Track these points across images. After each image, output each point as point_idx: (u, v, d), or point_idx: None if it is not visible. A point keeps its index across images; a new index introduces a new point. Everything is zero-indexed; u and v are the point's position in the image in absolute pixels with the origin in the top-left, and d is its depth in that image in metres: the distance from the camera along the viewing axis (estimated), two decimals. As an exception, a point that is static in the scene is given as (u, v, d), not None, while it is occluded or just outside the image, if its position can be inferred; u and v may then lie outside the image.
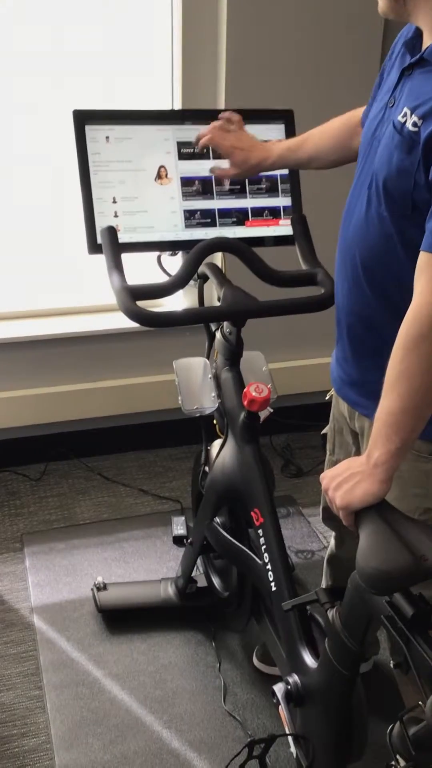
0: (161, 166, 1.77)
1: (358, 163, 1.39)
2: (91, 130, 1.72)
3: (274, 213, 1.86)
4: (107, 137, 1.73)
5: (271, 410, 1.69)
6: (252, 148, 1.70)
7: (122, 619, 2.09)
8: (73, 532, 2.44)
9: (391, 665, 1.16)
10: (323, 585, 1.92)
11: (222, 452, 1.76)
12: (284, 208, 1.86)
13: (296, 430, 2.88)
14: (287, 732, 1.45)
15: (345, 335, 1.45)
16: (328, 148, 1.64)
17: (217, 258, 2.07)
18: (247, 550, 1.69)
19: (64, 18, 2.30)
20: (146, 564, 2.32)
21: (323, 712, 1.40)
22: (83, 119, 1.72)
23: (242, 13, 2.33)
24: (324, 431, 1.71)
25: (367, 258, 1.33)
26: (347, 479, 1.16)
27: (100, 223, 1.71)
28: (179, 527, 2.42)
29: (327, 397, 1.65)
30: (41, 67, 2.33)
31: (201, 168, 1.79)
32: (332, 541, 1.83)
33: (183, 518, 2.45)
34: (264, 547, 1.58)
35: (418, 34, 1.29)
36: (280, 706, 1.46)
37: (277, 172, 1.82)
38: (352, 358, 1.45)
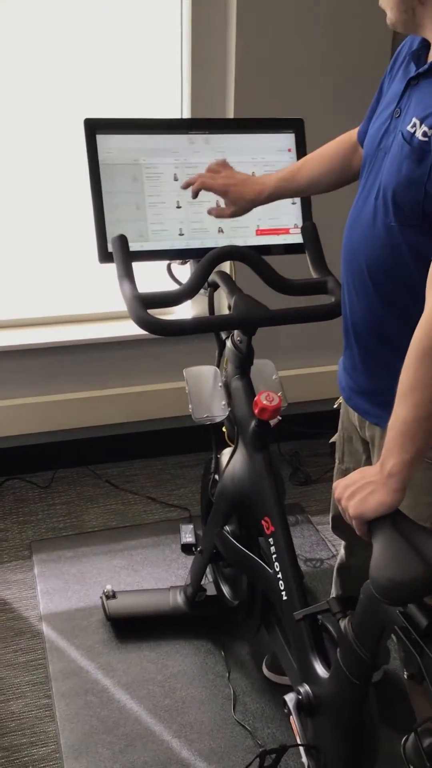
0: (172, 175, 1.78)
1: (361, 176, 1.38)
2: (102, 139, 1.73)
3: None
4: (118, 146, 1.74)
5: (279, 418, 1.69)
6: (245, 183, 1.68)
7: (131, 627, 2.09)
8: (82, 539, 2.44)
9: (404, 676, 1.15)
10: (333, 594, 1.92)
11: (232, 460, 1.75)
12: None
13: (305, 437, 2.88)
14: (298, 742, 1.45)
15: (354, 344, 1.45)
16: (326, 171, 1.63)
17: (226, 266, 2.07)
18: (257, 558, 1.68)
19: (73, 27, 2.31)
20: (155, 572, 2.31)
21: (335, 722, 1.40)
22: (95, 128, 1.73)
23: (251, 23, 2.34)
24: (333, 439, 1.71)
25: (374, 267, 1.33)
26: (360, 489, 1.16)
27: (111, 232, 1.72)
28: (188, 535, 2.42)
29: (335, 405, 1.65)
30: (51, 75, 2.34)
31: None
32: (342, 551, 1.82)
33: (191, 526, 2.45)
34: (275, 555, 1.58)
35: (424, 45, 1.29)
36: (291, 716, 1.45)
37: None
38: (361, 366, 1.45)
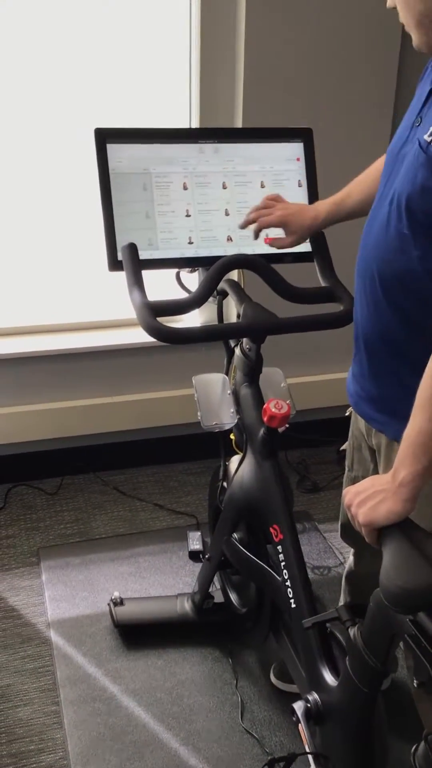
0: (181, 184, 1.79)
1: (381, 180, 1.39)
2: (113, 148, 1.74)
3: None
4: (128, 155, 1.75)
5: (287, 425, 1.70)
6: (301, 212, 1.73)
7: (139, 634, 2.09)
8: (89, 546, 2.44)
9: (414, 684, 1.15)
10: (341, 602, 1.92)
11: (241, 468, 1.76)
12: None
13: (312, 445, 2.88)
14: (307, 750, 1.45)
15: (363, 351, 1.45)
16: (374, 191, 1.62)
17: (235, 275, 2.08)
18: (265, 566, 1.69)
19: (83, 37, 2.33)
20: (162, 579, 2.32)
21: (344, 730, 1.39)
22: (105, 137, 1.74)
23: (260, 32, 2.36)
24: (343, 447, 1.71)
25: (385, 274, 1.34)
26: (371, 496, 1.16)
27: (121, 240, 1.73)
28: (195, 542, 2.43)
29: (347, 413, 1.65)
30: (60, 84, 2.36)
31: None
32: (351, 558, 1.82)
33: (199, 533, 2.45)
34: (283, 563, 1.58)
35: None
36: (299, 724, 1.45)
37: (295, 181, 1.84)
38: (369, 373, 1.45)
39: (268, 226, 1.74)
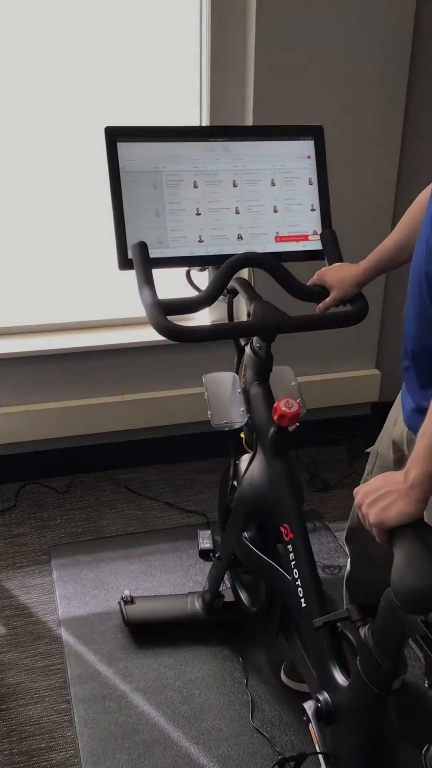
0: (192, 182, 1.79)
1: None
2: (123, 147, 1.74)
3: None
4: (138, 153, 1.75)
5: (298, 423, 1.69)
6: (341, 267, 1.72)
7: (149, 633, 2.09)
8: (100, 544, 2.44)
9: (426, 685, 1.15)
10: (345, 606, 1.91)
11: (251, 467, 1.76)
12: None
13: (322, 443, 2.88)
14: (317, 750, 1.44)
15: (411, 363, 1.40)
16: (414, 230, 1.54)
17: (245, 273, 2.08)
18: (276, 565, 1.68)
19: (94, 36, 2.33)
20: (172, 578, 2.32)
21: (354, 730, 1.39)
22: (115, 136, 1.74)
23: (271, 30, 2.35)
24: (368, 450, 1.69)
25: (431, 284, 1.29)
26: (382, 497, 1.15)
27: (131, 239, 1.73)
28: (205, 541, 2.43)
29: (367, 451, 1.63)
30: (69, 82, 2.36)
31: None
32: (348, 565, 1.82)
33: (209, 532, 2.45)
34: (293, 562, 1.57)
35: None
36: (310, 724, 1.45)
37: (305, 178, 1.84)
38: (419, 386, 1.40)
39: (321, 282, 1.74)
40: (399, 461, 1.54)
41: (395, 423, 1.55)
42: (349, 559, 1.82)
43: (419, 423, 1.42)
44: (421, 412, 1.40)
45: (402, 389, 1.51)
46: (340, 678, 1.43)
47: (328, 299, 1.73)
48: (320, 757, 1.44)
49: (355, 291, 1.70)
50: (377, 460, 1.62)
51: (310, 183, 1.86)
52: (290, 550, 1.58)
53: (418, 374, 1.39)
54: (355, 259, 1.72)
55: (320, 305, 1.75)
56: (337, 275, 1.71)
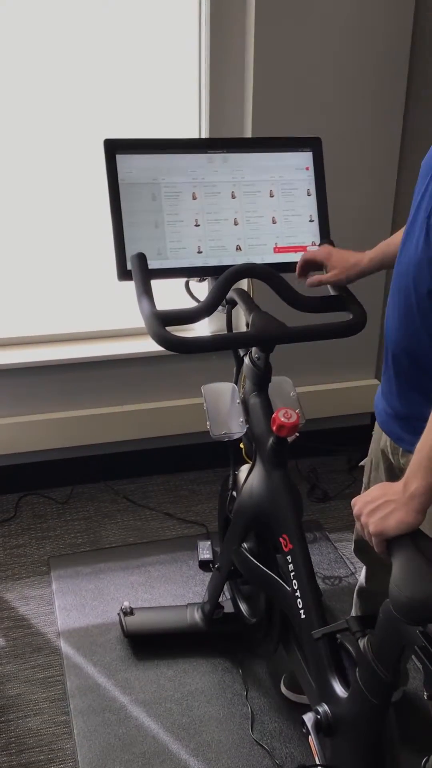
0: (190, 194, 1.79)
1: (416, 193, 1.36)
2: (122, 159, 1.75)
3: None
4: (137, 165, 1.76)
5: (297, 434, 1.69)
6: (346, 251, 1.71)
7: (149, 644, 2.09)
8: (100, 555, 2.44)
9: (425, 696, 1.14)
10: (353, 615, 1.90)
11: (250, 477, 1.75)
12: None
13: (322, 454, 2.87)
14: (317, 762, 1.43)
15: (391, 367, 1.42)
16: None
17: (244, 284, 2.08)
18: (275, 576, 1.68)
19: (93, 47, 2.35)
20: (172, 589, 2.31)
21: (354, 742, 1.38)
22: (114, 148, 1.75)
23: (269, 42, 2.37)
24: (362, 463, 1.69)
25: (419, 290, 1.30)
26: (381, 507, 1.15)
27: (130, 250, 1.73)
28: (205, 552, 2.42)
29: (361, 464, 1.62)
30: (68, 94, 2.38)
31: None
32: (362, 575, 1.81)
33: (209, 543, 2.45)
34: (293, 573, 1.57)
35: None
36: (309, 736, 1.44)
37: (304, 190, 1.84)
38: (397, 391, 1.42)
39: (311, 259, 1.75)
40: (389, 470, 1.54)
41: (381, 433, 1.55)
42: (363, 570, 1.81)
43: (395, 428, 1.43)
44: (397, 417, 1.41)
45: (377, 394, 1.52)
46: (339, 690, 1.42)
47: (326, 275, 1.72)
48: (320, 769, 1.43)
49: (354, 277, 1.70)
50: (372, 472, 1.62)
51: (309, 194, 1.87)
52: (289, 560, 1.58)
53: (398, 379, 1.40)
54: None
55: (314, 278, 1.74)
56: (342, 256, 1.71)
